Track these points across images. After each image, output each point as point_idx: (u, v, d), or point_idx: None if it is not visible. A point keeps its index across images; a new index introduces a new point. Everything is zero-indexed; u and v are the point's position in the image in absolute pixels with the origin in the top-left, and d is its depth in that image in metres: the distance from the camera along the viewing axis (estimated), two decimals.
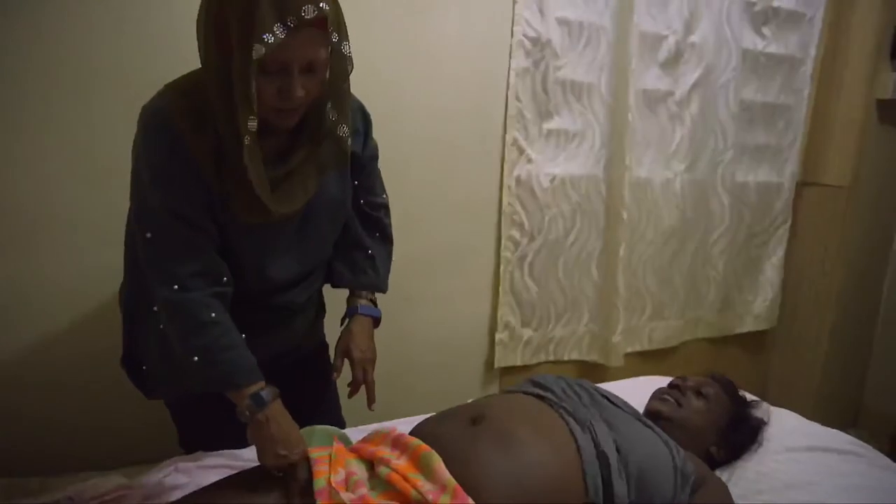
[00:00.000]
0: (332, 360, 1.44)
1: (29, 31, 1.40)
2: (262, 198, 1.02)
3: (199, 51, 1.01)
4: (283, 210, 1.07)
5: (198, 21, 1.00)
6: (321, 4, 0.93)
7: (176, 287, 1.03)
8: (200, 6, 0.99)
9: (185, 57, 1.13)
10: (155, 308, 1.07)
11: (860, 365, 2.71)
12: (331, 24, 0.96)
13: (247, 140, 0.97)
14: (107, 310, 1.49)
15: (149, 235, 1.04)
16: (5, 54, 1.39)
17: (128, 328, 1.23)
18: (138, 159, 1.05)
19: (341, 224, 1.26)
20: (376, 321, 1.35)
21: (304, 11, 0.91)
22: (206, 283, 1.05)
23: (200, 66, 1.03)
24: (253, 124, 0.96)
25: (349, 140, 1.13)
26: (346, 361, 1.29)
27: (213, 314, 1.04)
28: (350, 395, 1.31)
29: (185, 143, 1.00)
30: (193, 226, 1.04)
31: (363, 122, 1.24)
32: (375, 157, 1.31)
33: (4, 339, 1.51)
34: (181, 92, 1.03)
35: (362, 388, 1.30)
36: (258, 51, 0.90)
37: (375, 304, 1.35)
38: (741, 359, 2.60)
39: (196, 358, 1.04)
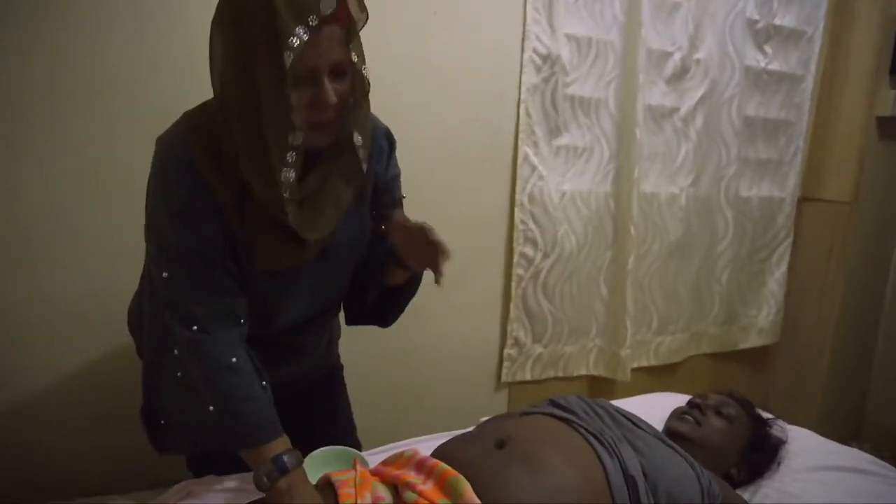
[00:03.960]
0: (344, 381, 1.42)
1: (31, 45, 1.38)
2: (297, 229, 0.96)
3: (214, 84, 0.96)
4: (318, 235, 1.01)
5: (211, 52, 0.94)
6: None
7: (195, 328, 0.97)
8: (210, 37, 0.94)
9: (188, 71, 1.09)
10: (175, 352, 1.00)
11: (862, 378, 2.72)
12: (350, 33, 0.91)
13: (290, 157, 0.91)
14: (110, 328, 1.46)
15: (165, 275, 0.98)
16: (7, 68, 1.37)
17: (147, 378, 1.16)
18: (156, 198, 0.99)
19: (358, 259, 1.19)
20: None
21: (323, 6, 0.86)
22: (226, 325, 1.00)
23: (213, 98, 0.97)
24: (296, 137, 0.90)
25: (364, 165, 1.05)
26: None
27: (235, 359, 0.98)
28: (350, 413, 1.27)
29: (208, 183, 0.95)
30: (214, 265, 0.99)
31: (389, 148, 1.17)
32: (396, 178, 1.22)
33: (11, 360, 1.48)
34: (200, 128, 0.97)
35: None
36: (288, 57, 0.85)
37: None
38: (743, 373, 2.61)
39: (212, 407, 0.97)
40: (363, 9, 0.94)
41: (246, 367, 1.00)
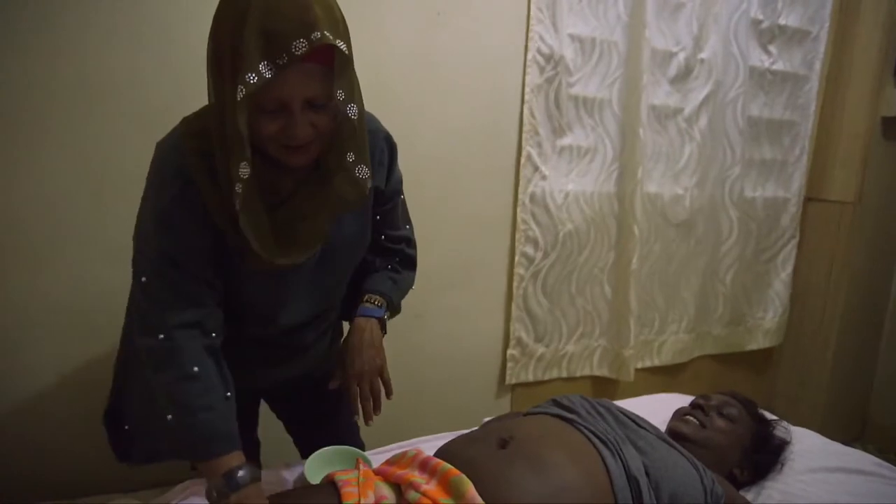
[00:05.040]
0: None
1: (38, 48, 1.38)
2: (255, 249, 0.94)
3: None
4: (286, 259, 0.98)
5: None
6: (313, 35, 0.82)
7: (161, 336, 0.95)
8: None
9: (192, 72, 1.09)
10: (142, 358, 0.98)
11: (866, 379, 2.71)
12: (335, 71, 0.87)
13: (238, 188, 0.88)
14: (113, 327, 1.46)
15: (143, 280, 0.98)
16: (10, 67, 1.38)
17: (118, 381, 1.15)
18: (146, 203, 0.99)
19: (358, 260, 1.19)
20: (382, 323, 1.22)
21: (295, 47, 0.82)
22: (192, 335, 0.97)
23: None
24: (245, 171, 0.88)
25: (369, 182, 1.00)
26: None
27: (197, 368, 0.96)
28: (351, 416, 1.20)
29: (199, 189, 0.94)
30: (191, 276, 0.97)
31: (389, 153, 1.15)
32: (399, 191, 1.22)
33: (13, 360, 1.48)
34: (195, 134, 0.96)
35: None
36: (240, 92, 0.82)
37: (381, 307, 1.22)
38: (747, 373, 2.61)
39: (170, 416, 0.94)
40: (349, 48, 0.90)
41: (208, 377, 0.97)
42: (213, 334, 1.00)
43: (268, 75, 0.82)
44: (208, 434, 0.94)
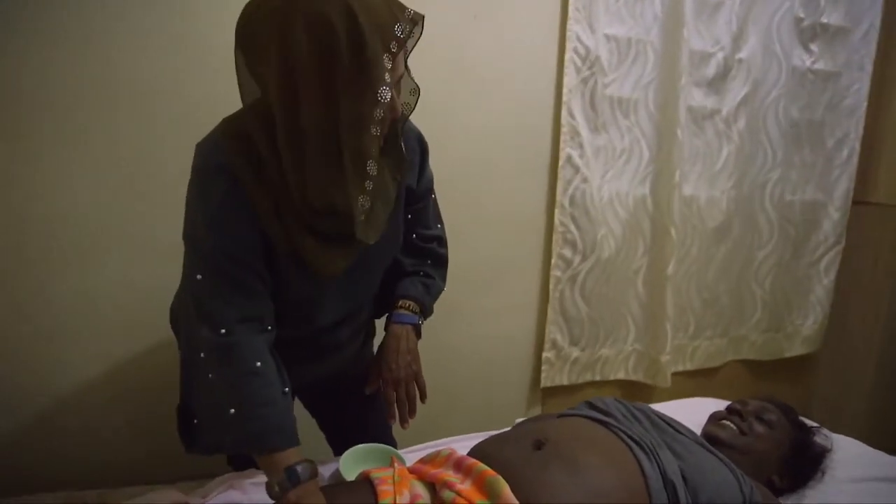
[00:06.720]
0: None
1: (84, 52, 1.42)
2: (360, 236, 0.98)
3: (248, 95, 0.95)
4: (376, 237, 1.02)
5: (259, 65, 0.91)
6: (406, 13, 0.91)
7: (223, 331, 0.97)
8: (260, 49, 0.89)
9: (233, 77, 1.12)
10: (202, 354, 0.99)
11: None
12: (409, 46, 0.94)
13: (368, 185, 0.95)
14: (153, 324, 1.50)
15: (199, 277, 0.99)
16: (63, 76, 1.42)
17: (185, 382, 1.17)
18: (194, 203, 1.01)
19: (391, 260, 1.21)
20: (416, 329, 1.26)
21: (400, 31, 0.89)
22: (254, 330, 1.00)
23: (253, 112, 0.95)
24: (373, 168, 0.94)
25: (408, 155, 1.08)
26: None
27: (259, 363, 0.99)
28: (388, 419, 1.23)
29: (244, 188, 0.96)
30: (247, 269, 1.00)
31: (420, 152, 1.17)
32: (430, 190, 1.24)
33: (65, 353, 1.53)
34: (236, 135, 0.98)
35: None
36: (384, 94, 0.88)
37: (416, 313, 1.25)
38: (785, 379, 2.55)
39: (232, 410, 0.96)
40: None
41: (269, 373, 1.00)
42: (270, 327, 1.03)
43: (388, 66, 0.88)
44: (270, 429, 0.97)
